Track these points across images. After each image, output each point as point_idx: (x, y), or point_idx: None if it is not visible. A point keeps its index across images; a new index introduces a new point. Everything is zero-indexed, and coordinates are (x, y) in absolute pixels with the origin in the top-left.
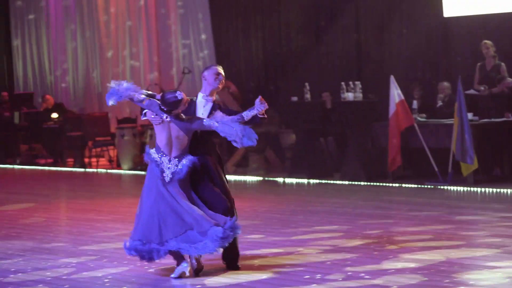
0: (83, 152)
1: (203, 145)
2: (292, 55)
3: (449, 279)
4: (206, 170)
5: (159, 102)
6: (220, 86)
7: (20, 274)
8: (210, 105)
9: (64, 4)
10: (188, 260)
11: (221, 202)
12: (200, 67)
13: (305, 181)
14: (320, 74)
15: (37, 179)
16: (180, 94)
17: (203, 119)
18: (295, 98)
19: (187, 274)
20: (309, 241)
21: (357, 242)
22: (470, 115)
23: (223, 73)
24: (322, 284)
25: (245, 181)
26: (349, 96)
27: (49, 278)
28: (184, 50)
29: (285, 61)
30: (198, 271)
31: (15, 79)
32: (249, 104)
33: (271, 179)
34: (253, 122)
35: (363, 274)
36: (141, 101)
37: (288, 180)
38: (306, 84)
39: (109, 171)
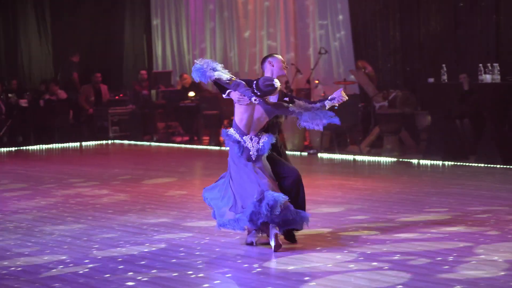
0: (218, 131)
1: (273, 126)
2: (429, 36)
3: None
4: (275, 148)
5: (244, 82)
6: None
7: (154, 249)
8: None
9: None
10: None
11: (293, 172)
12: (337, 48)
13: (440, 163)
14: (457, 55)
15: (173, 156)
16: (276, 83)
17: (289, 105)
18: (431, 80)
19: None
20: (442, 224)
21: (488, 227)
22: None
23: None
24: (455, 266)
25: (379, 162)
26: (487, 78)
27: (182, 254)
28: (321, 30)
29: (422, 42)
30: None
31: (154, 58)
32: (384, 87)
33: (406, 160)
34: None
35: (496, 258)
36: (229, 81)
37: (423, 162)
38: (443, 65)
39: None
